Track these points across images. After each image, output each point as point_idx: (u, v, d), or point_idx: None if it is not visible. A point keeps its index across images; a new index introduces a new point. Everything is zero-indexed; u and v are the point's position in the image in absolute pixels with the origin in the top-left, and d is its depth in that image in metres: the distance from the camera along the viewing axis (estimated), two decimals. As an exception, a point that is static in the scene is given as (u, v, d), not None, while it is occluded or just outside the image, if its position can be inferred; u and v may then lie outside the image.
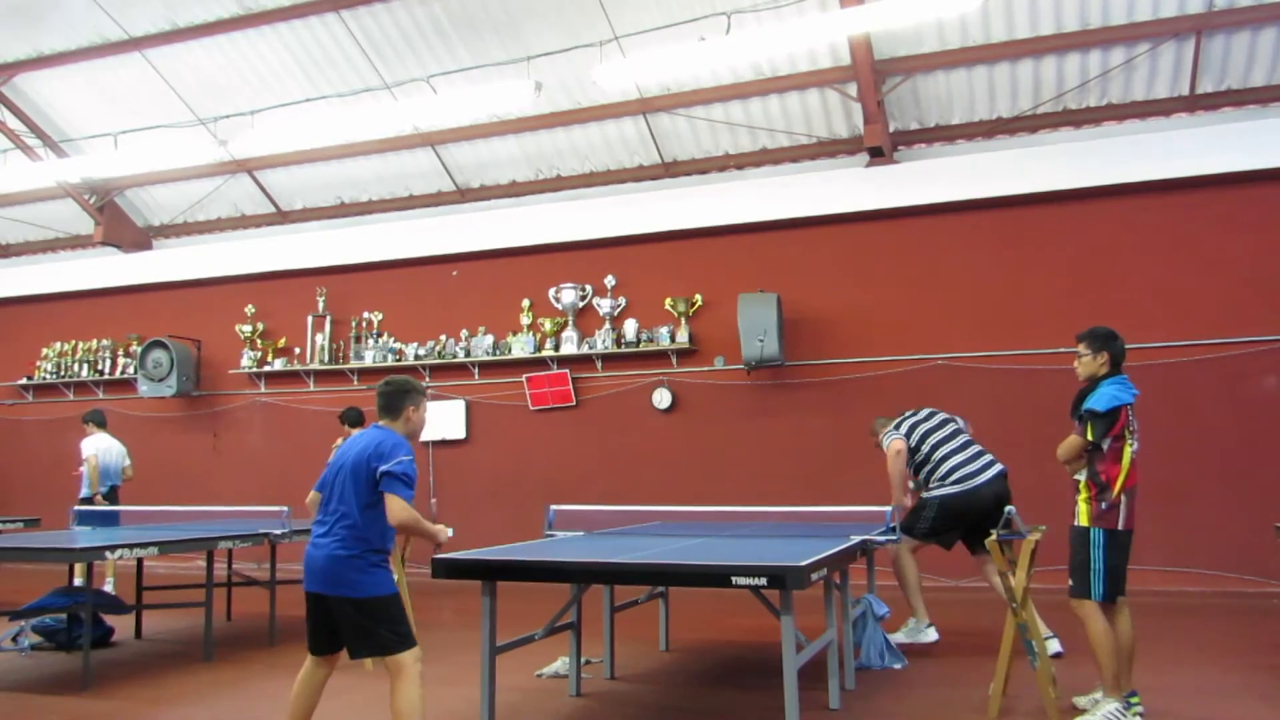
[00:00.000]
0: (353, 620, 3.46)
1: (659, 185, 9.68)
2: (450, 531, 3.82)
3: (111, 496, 8.33)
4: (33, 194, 11.52)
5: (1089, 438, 4.07)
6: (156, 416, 11.34)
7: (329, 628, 3.57)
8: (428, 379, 10.11)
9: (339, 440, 8.18)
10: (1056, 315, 8.00)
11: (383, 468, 3.47)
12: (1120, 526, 4.05)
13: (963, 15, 7.74)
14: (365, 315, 10.51)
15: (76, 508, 7.71)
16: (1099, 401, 4.07)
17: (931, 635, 5.86)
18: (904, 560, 5.90)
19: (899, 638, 5.72)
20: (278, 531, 6.25)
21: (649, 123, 9.36)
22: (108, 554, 5.35)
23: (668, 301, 9.30)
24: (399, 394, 3.76)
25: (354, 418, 8.18)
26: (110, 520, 7.55)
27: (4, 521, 8.77)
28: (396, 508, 3.46)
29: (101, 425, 8.53)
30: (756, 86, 8.79)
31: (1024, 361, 8.19)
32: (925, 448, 5.86)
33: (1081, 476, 4.15)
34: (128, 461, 8.54)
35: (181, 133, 10.09)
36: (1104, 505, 4.06)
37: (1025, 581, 4.16)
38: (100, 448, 8.36)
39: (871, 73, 8.23)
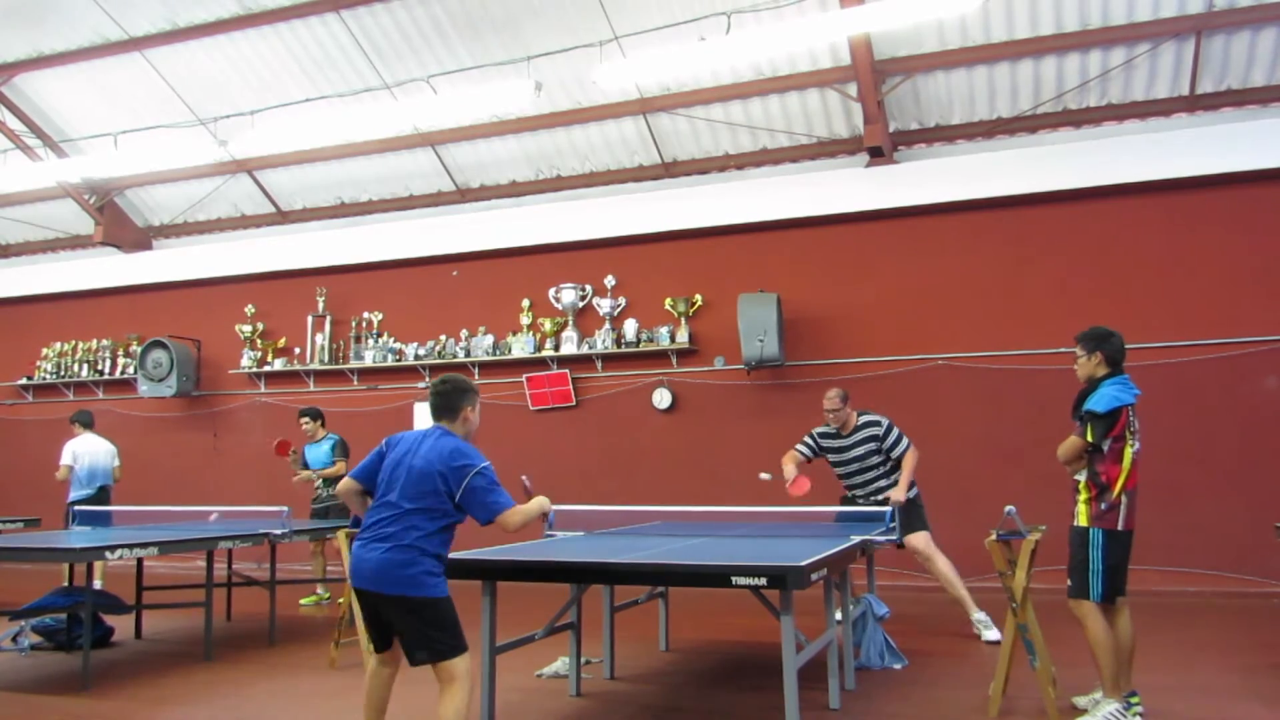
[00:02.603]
0: (406, 622, 3.39)
1: (659, 185, 9.67)
2: (548, 501, 3.83)
3: (102, 497, 8.28)
4: (33, 194, 11.52)
5: (1089, 439, 4.06)
6: (156, 416, 11.34)
7: (384, 625, 3.51)
8: (428, 379, 10.12)
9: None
10: (1056, 315, 8.00)
11: (472, 494, 3.43)
12: (1120, 527, 4.05)
13: (963, 15, 7.74)
14: (365, 315, 10.51)
15: (77, 508, 7.72)
16: (1099, 402, 4.06)
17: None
18: (942, 558, 5.93)
19: (993, 636, 5.71)
20: (278, 531, 6.25)
21: (649, 123, 9.36)
22: (107, 554, 5.34)
23: (668, 301, 9.30)
24: (458, 393, 3.66)
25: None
26: (102, 520, 7.53)
27: (4, 521, 8.76)
28: (513, 523, 3.49)
29: (89, 426, 8.48)
30: (756, 86, 8.79)
31: (1024, 361, 8.19)
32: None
33: (1081, 477, 4.14)
34: (117, 462, 8.47)
35: (181, 133, 10.09)
36: (1104, 506, 4.06)
37: (1025, 581, 4.16)
38: (85, 450, 8.30)
39: (871, 73, 8.22)
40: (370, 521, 3.49)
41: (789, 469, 6.00)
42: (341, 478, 7.73)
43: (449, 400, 3.63)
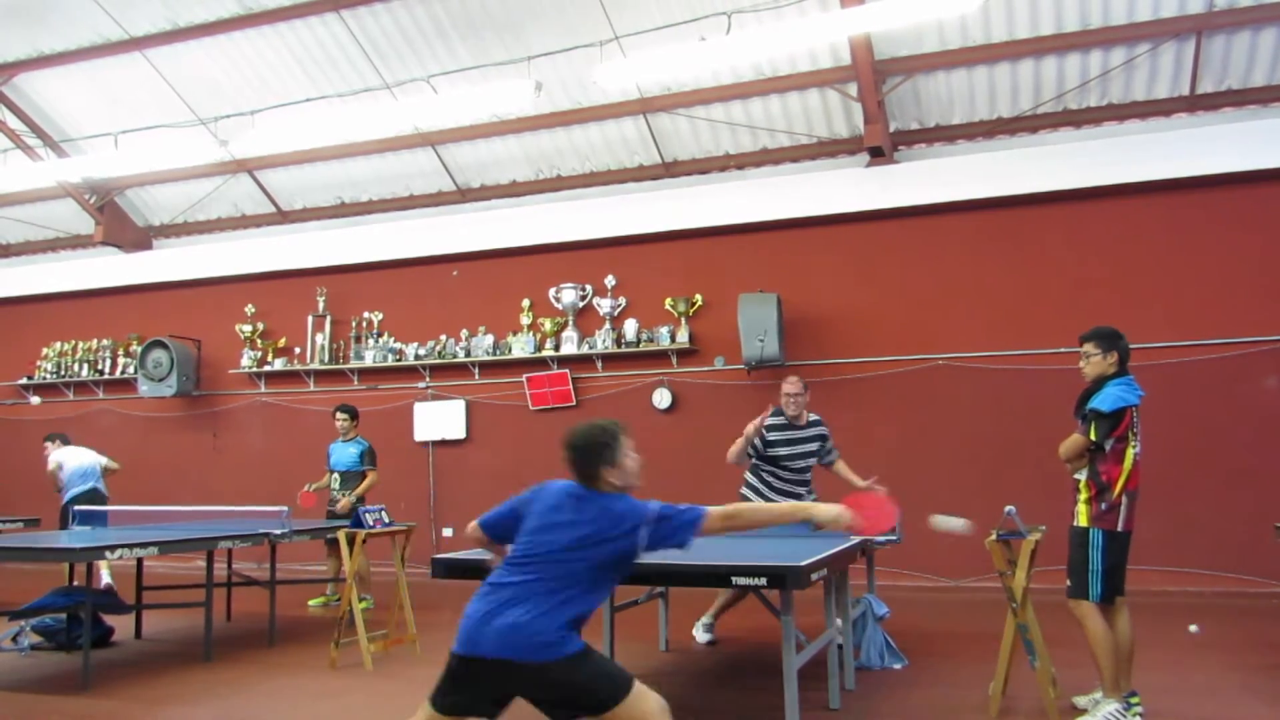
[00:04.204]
0: (548, 690, 2.88)
1: (659, 185, 9.67)
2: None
3: (95, 498, 8.23)
4: (33, 194, 11.52)
5: (1092, 438, 4.06)
6: (156, 416, 11.34)
7: (480, 697, 2.96)
8: (428, 379, 10.12)
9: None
10: (1057, 315, 8.00)
11: (659, 539, 2.97)
12: (1119, 528, 4.05)
13: (963, 15, 7.74)
14: (365, 315, 10.52)
15: (76, 507, 7.72)
16: (1104, 402, 4.06)
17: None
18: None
19: None
20: (278, 531, 6.24)
21: (649, 123, 9.36)
22: (107, 554, 5.35)
23: (668, 301, 9.30)
24: (595, 453, 3.07)
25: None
26: (99, 520, 7.55)
27: (4, 521, 8.77)
28: (735, 521, 3.06)
29: (66, 444, 8.50)
30: (756, 86, 8.79)
31: (1025, 361, 8.19)
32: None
33: (1082, 476, 4.14)
34: (104, 460, 8.44)
35: (181, 133, 10.09)
36: (1104, 506, 4.06)
37: (1025, 581, 4.16)
38: (68, 455, 8.32)
39: (872, 73, 8.22)
40: (500, 581, 3.00)
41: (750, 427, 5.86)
42: (369, 488, 7.75)
43: (583, 467, 3.08)
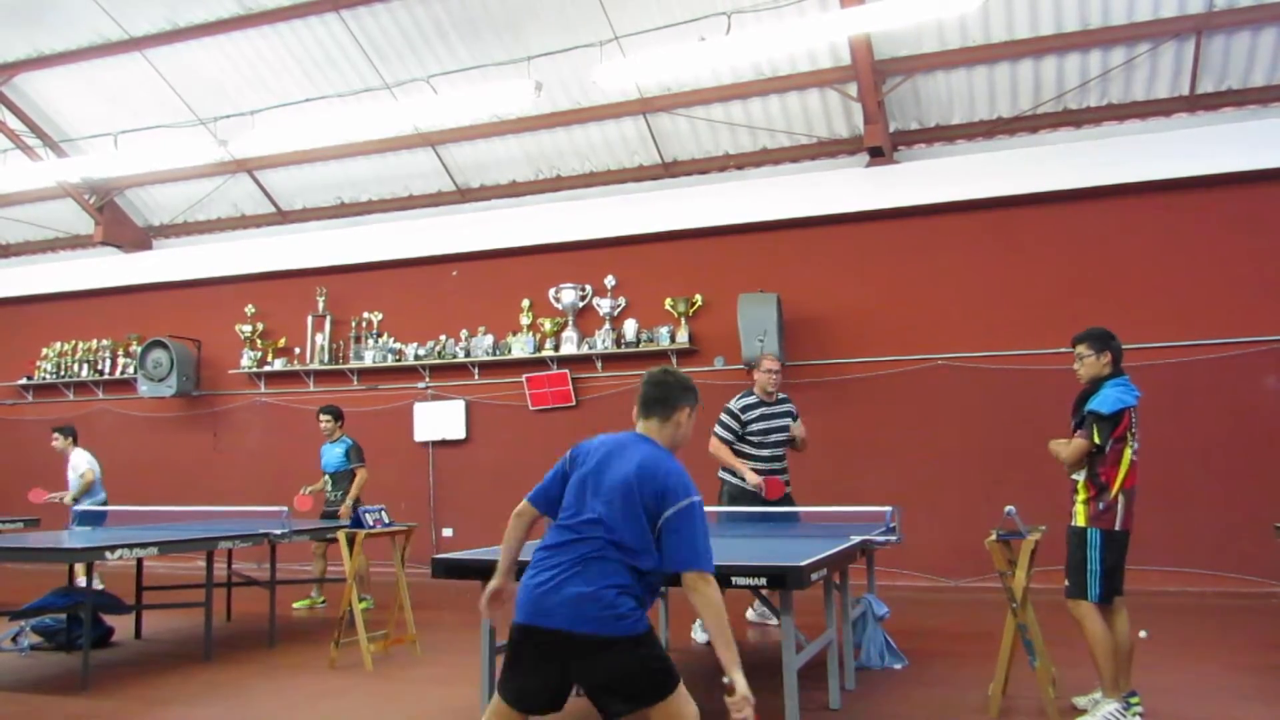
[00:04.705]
0: (602, 667, 2.68)
1: (659, 185, 9.67)
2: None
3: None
4: (33, 194, 11.52)
5: (1095, 440, 4.05)
6: (156, 416, 11.34)
7: (546, 678, 2.74)
8: (428, 379, 10.12)
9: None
10: (1056, 315, 8.00)
11: (673, 530, 2.73)
12: (1117, 527, 4.05)
13: (963, 15, 7.74)
14: (365, 315, 10.52)
15: (78, 509, 7.72)
16: (1104, 404, 4.05)
17: None
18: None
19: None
20: (278, 531, 6.24)
21: (649, 123, 9.36)
22: (107, 554, 5.34)
23: (668, 301, 9.30)
24: (680, 389, 3.01)
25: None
26: (98, 520, 7.58)
27: (4, 522, 8.76)
28: (705, 591, 2.75)
29: (77, 441, 8.55)
30: (756, 86, 8.79)
31: (1024, 362, 8.19)
32: None
33: (1080, 477, 4.14)
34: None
35: (181, 133, 10.09)
36: (1101, 506, 4.06)
37: (1025, 581, 4.16)
38: (93, 461, 8.37)
39: (871, 73, 8.22)
40: (550, 548, 2.81)
41: (751, 476, 6.06)
42: (360, 484, 7.76)
43: (667, 394, 2.98)
